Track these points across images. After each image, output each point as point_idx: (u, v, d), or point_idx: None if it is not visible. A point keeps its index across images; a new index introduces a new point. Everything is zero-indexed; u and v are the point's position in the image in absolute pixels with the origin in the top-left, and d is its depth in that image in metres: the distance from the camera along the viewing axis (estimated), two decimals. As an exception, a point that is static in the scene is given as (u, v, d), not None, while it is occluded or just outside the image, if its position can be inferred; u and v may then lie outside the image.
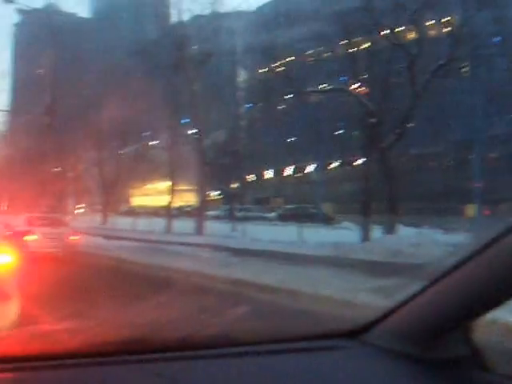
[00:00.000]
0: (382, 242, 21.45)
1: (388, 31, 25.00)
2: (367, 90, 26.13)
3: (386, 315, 2.36)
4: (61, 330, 2.68)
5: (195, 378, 2.18)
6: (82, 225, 47.79)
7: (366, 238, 23.74)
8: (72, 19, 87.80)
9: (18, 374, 2.08)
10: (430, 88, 25.20)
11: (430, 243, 19.99)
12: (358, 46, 27.91)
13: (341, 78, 27.48)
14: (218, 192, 56.60)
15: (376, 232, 24.87)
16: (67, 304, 9.15)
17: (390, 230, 23.84)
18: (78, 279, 13.19)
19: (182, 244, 25.80)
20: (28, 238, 21.94)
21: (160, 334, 2.51)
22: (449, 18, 25.91)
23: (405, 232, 24.74)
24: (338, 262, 17.61)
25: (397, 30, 25.24)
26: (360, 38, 27.78)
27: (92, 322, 2.93)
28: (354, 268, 16.41)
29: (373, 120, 24.37)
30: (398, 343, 2.26)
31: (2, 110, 71.40)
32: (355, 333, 2.44)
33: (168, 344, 2.34)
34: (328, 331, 2.56)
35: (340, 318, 3.20)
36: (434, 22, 28.24)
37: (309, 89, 28.08)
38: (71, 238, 23.09)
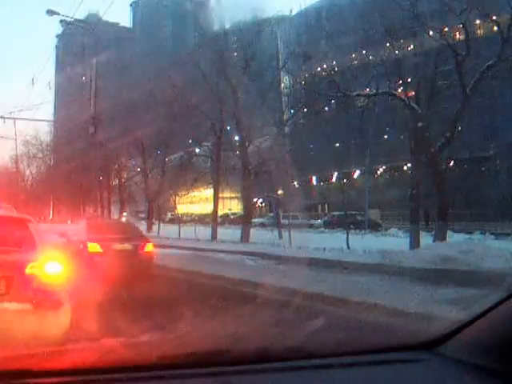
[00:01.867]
0: (431, 248, 20.92)
1: (435, 32, 24.49)
2: (414, 93, 25.56)
3: (462, 327, 2.28)
4: (138, 343, 2.73)
5: None
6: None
7: (414, 244, 23.17)
8: (114, 29, 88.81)
9: None
10: (479, 90, 24.60)
11: (481, 249, 19.58)
12: (405, 48, 27.40)
13: (387, 82, 26.85)
14: (263, 199, 56.49)
15: (425, 239, 24.40)
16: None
17: (439, 236, 23.24)
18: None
19: (228, 252, 25.65)
20: None
21: (237, 347, 2.47)
22: (498, 17, 25.08)
23: (455, 238, 24.34)
24: (386, 270, 17.39)
25: (444, 30, 24.71)
26: (406, 40, 27.25)
27: (169, 336, 2.98)
28: (404, 275, 16.19)
29: (421, 124, 23.87)
30: (476, 356, 2.14)
31: (46, 120, 72.50)
32: (430, 345, 2.33)
33: (245, 357, 2.33)
34: (403, 343, 2.47)
35: (412, 330, 3.17)
36: (482, 21, 27.49)
37: (354, 93, 27.58)
38: None
